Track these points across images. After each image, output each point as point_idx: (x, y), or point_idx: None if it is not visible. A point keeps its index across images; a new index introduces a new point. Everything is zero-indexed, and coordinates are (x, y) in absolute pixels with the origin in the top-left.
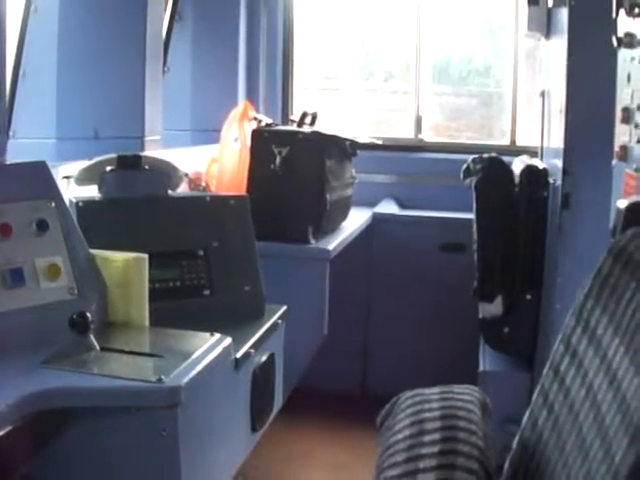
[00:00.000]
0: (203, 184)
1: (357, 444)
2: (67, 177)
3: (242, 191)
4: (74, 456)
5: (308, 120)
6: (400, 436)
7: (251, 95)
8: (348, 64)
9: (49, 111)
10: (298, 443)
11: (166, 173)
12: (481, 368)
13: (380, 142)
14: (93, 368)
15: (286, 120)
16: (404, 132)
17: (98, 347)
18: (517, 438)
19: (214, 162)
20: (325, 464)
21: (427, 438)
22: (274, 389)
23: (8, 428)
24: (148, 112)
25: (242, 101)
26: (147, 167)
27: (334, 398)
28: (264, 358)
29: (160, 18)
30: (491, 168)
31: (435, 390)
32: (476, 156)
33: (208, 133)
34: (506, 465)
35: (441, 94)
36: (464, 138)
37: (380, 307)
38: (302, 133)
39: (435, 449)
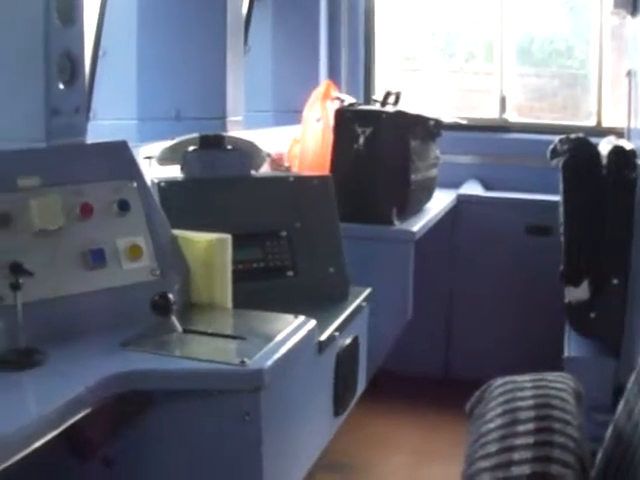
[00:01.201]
0: (286, 164)
1: (439, 429)
2: (148, 157)
3: (325, 172)
4: (154, 439)
5: (391, 100)
6: (492, 425)
7: (332, 75)
8: (429, 45)
9: (129, 92)
10: (379, 427)
11: (249, 153)
12: (566, 354)
13: (464, 122)
14: (175, 350)
15: (368, 100)
16: (487, 113)
17: (180, 329)
18: (610, 428)
19: (296, 143)
20: (406, 448)
21: (521, 428)
22: (357, 373)
23: (87, 410)
24: (230, 92)
25: (324, 81)
26: (230, 147)
27: (416, 382)
28: (348, 341)
29: None
30: (578, 149)
31: (527, 377)
32: (563, 136)
33: (289, 114)
34: (599, 455)
35: (523, 75)
36: (547, 119)
37: (464, 290)
38: (386, 113)
39: (530, 440)
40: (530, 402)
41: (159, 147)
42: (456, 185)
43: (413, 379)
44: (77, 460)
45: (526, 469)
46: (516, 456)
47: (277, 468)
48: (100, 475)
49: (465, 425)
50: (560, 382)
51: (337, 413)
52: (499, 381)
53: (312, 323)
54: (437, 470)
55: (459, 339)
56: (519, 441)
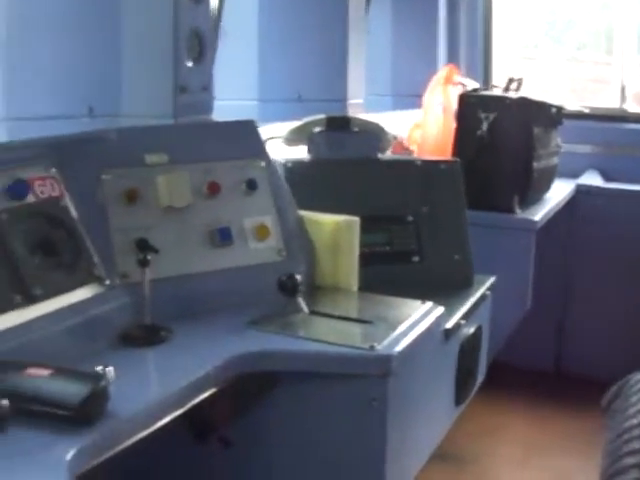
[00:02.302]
0: (412, 147)
1: (550, 422)
2: (271, 138)
3: (446, 157)
4: (276, 422)
5: (513, 86)
6: (635, 421)
7: (451, 61)
8: (543, 33)
9: (250, 73)
10: (489, 418)
11: (376, 135)
12: None
13: (587, 110)
14: (302, 332)
15: (487, 86)
16: (603, 102)
17: (307, 310)
18: None
19: (417, 127)
20: (515, 441)
21: None
22: (479, 362)
23: (213, 390)
24: (351, 75)
25: (444, 66)
26: (356, 129)
27: (527, 375)
28: (472, 330)
29: None
30: None
31: None
32: None
33: (408, 98)
34: None
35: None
36: None
37: (580, 283)
38: (509, 99)
39: None
40: None
41: (282, 128)
42: (574, 175)
43: (524, 372)
44: (194, 440)
45: None
46: None
47: (399, 455)
48: (217, 456)
49: (576, 419)
50: None
51: (458, 402)
52: (638, 376)
53: (440, 310)
54: (547, 463)
55: (572, 333)
56: None
